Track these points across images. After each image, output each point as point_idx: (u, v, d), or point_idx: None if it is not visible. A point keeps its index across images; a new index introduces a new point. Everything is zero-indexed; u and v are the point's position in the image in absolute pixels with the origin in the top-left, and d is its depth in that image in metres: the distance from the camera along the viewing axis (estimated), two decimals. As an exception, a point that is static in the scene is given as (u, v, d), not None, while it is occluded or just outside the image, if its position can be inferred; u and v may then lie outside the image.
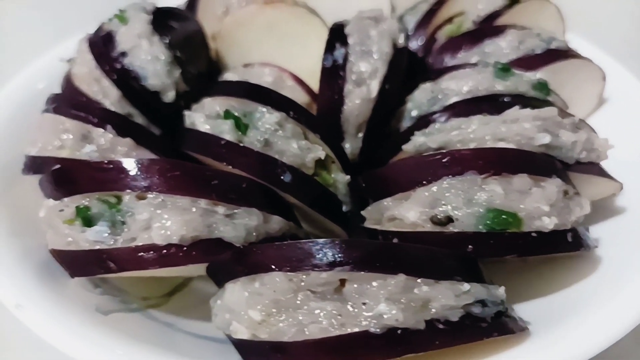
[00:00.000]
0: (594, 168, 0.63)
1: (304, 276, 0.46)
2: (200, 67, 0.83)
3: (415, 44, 0.93)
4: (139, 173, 0.53)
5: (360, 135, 0.72)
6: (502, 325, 0.48)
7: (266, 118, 0.62)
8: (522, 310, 0.59)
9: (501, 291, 0.49)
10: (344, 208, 0.65)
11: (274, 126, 0.61)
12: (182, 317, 0.65)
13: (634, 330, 0.51)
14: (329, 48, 0.72)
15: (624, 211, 0.68)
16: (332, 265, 0.45)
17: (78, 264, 0.55)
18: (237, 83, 0.68)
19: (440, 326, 0.45)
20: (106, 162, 0.54)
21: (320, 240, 0.46)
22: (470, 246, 0.52)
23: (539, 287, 0.61)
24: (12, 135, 0.75)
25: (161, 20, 0.77)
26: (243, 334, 0.48)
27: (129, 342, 0.51)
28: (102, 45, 0.75)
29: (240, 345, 0.49)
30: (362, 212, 0.62)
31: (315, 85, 0.81)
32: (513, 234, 0.52)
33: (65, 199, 0.57)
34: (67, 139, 0.65)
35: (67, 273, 0.57)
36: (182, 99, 0.75)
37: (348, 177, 0.66)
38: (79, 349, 0.49)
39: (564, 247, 0.54)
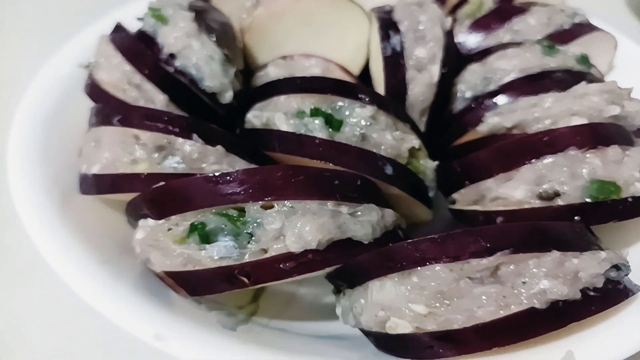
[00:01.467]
0: (647, 133, 0.70)
1: (464, 265, 0.47)
2: (239, 64, 0.80)
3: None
4: (263, 182, 0.52)
5: (424, 119, 0.73)
6: (632, 285, 0.52)
7: (358, 112, 0.61)
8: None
9: (626, 254, 0.54)
10: (431, 193, 0.67)
11: (369, 120, 0.61)
12: (283, 320, 0.64)
13: None
14: (385, 37, 0.72)
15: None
16: (492, 251, 0.47)
17: (202, 283, 0.53)
18: (315, 79, 0.66)
19: (592, 293, 0.48)
20: (221, 175, 0.52)
21: (472, 230, 0.48)
22: (577, 217, 0.56)
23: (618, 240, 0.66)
24: (56, 142, 0.70)
25: (200, 17, 0.74)
26: (405, 328, 0.49)
27: (278, 353, 0.51)
28: (141, 48, 0.70)
29: (399, 340, 0.50)
30: (454, 195, 0.64)
31: (354, 72, 0.81)
32: (614, 201, 0.57)
33: (173, 217, 0.54)
34: (140, 153, 0.61)
35: (180, 294, 0.55)
36: (236, 98, 0.73)
37: (436, 162, 0.67)
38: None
39: (652, 207, 0.60)
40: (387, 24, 0.74)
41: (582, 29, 0.82)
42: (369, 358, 0.54)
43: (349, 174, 0.56)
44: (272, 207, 0.52)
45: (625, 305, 0.53)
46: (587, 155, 0.57)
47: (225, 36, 0.76)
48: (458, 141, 0.72)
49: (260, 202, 0.52)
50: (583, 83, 0.67)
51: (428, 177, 0.66)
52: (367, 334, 0.54)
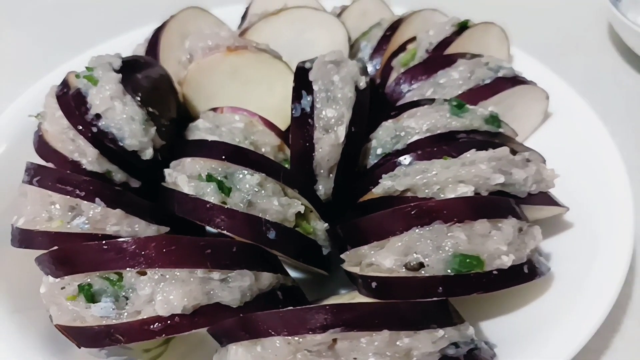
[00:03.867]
0: (543, 198, 0.71)
1: (301, 339, 0.52)
2: (170, 114, 0.86)
3: (371, 68, 0.99)
4: (137, 251, 0.58)
5: (332, 176, 0.77)
6: (480, 357, 0.55)
7: (247, 179, 0.66)
8: (487, 330, 0.68)
9: (471, 331, 0.57)
10: (324, 251, 0.71)
11: (256, 187, 0.66)
12: (183, 363, 0.70)
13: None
14: (296, 97, 0.76)
15: (570, 227, 0.77)
16: (325, 328, 0.51)
17: (87, 338, 0.59)
18: (216, 144, 0.71)
19: (422, 371, 0.52)
20: (104, 243, 0.58)
21: (313, 307, 0.53)
22: (440, 288, 0.59)
23: (499, 307, 0.70)
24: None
25: (129, 74, 0.79)
26: (250, 392, 0.54)
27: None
28: (73, 105, 0.76)
29: (248, 400, 0.55)
30: (342, 256, 0.68)
31: (281, 124, 0.86)
32: (477, 274, 0.59)
33: (66, 277, 0.60)
34: (55, 211, 0.68)
35: (74, 344, 0.62)
36: (159, 152, 0.78)
37: (326, 224, 0.71)
38: None
39: (521, 279, 0.62)
40: (301, 84, 0.77)
41: (503, 84, 0.84)
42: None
43: (224, 242, 0.61)
44: (145, 273, 0.58)
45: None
46: (453, 229, 0.60)
47: (154, 92, 0.82)
48: (362, 198, 0.76)
49: (134, 269, 0.58)
50: (472, 150, 0.69)
51: (320, 237, 0.70)
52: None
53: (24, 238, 0.69)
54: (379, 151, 0.79)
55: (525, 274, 0.62)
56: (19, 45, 1.51)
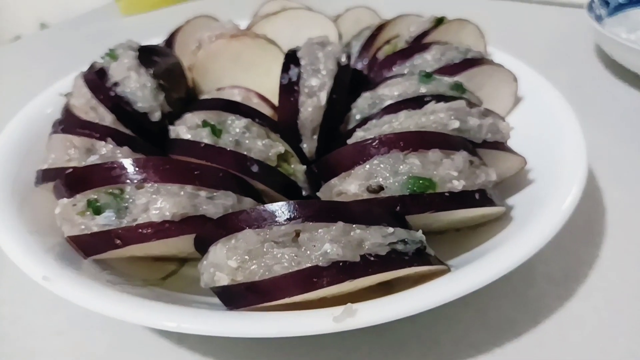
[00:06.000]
0: (499, 145, 0.79)
1: (268, 230, 0.60)
2: (180, 93, 0.99)
3: (360, 65, 1.11)
4: (137, 169, 0.68)
5: (315, 137, 0.87)
6: (421, 259, 0.62)
7: (236, 124, 0.77)
8: (455, 262, 0.75)
9: (419, 234, 0.64)
10: (304, 193, 0.81)
11: (242, 129, 0.77)
12: (175, 292, 0.78)
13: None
14: (285, 69, 0.89)
15: (531, 183, 0.84)
16: (288, 220, 0.60)
17: (90, 244, 0.69)
18: (212, 99, 0.83)
19: (372, 258, 0.59)
20: (110, 162, 0.69)
21: (278, 204, 0.61)
22: (398, 206, 0.68)
23: (467, 246, 0.77)
24: (25, 154, 0.91)
25: (145, 55, 0.94)
26: (224, 280, 0.62)
27: (134, 298, 0.65)
28: (96, 79, 0.90)
29: (222, 291, 0.63)
30: (317, 193, 0.77)
31: (276, 101, 0.97)
32: (430, 195, 0.67)
33: (77, 196, 0.71)
34: (74, 153, 0.80)
35: (81, 256, 0.71)
36: (166, 118, 0.91)
37: (304, 166, 0.81)
38: (95, 303, 0.63)
39: (471, 203, 0.69)
40: (290, 60, 0.90)
41: (470, 62, 0.94)
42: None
43: (211, 167, 0.71)
44: (143, 187, 0.68)
45: (431, 278, 0.64)
46: (409, 157, 0.69)
47: (167, 71, 0.96)
48: (340, 152, 0.85)
49: (134, 184, 0.68)
50: (432, 102, 0.79)
51: (299, 178, 0.80)
52: (212, 289, 0.67)
53: (47, 176, 0.80)
54: (358, 117, 0.89)
55: (476, 199, 0.70)
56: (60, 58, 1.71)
